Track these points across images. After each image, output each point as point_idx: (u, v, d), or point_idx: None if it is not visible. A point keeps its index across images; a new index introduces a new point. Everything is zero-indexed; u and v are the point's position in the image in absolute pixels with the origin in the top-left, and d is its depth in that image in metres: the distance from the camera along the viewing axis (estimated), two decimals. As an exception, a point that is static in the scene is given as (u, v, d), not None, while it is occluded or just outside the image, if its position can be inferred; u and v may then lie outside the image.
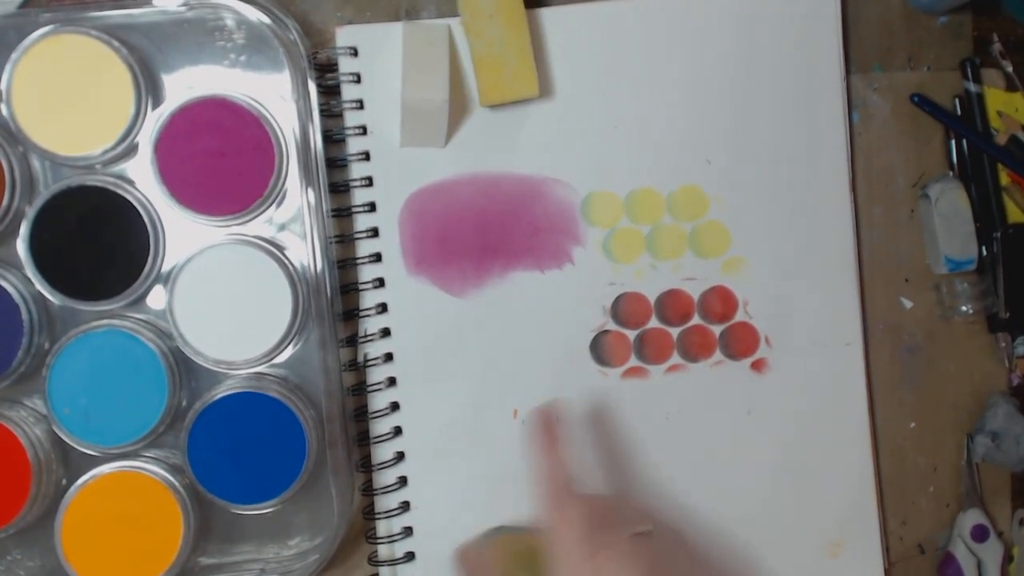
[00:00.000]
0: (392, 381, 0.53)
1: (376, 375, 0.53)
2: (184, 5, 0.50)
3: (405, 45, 0.51)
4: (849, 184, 0.56)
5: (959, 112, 0.57)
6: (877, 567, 0.56)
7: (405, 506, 0.53)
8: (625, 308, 0.54)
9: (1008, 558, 0.58)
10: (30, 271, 0.50)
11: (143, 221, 0.50)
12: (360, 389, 0.53)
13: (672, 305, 0.55)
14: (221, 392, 0.51)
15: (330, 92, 0.52)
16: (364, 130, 0.52)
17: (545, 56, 0.53)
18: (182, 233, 0.51)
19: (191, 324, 0.51)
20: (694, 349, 0.55)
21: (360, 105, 0.52)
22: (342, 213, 0.52)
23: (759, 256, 0.55)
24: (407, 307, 0.53)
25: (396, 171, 0.53)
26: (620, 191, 0.54)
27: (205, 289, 0.50)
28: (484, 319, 0.53)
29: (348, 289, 0.53)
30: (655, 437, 0.55)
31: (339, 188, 0.52)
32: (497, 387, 0.53)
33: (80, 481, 0.51)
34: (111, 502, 0.51)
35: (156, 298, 0.52)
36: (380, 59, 0.52)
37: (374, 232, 0.52)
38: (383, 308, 0.53)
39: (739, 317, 0.55)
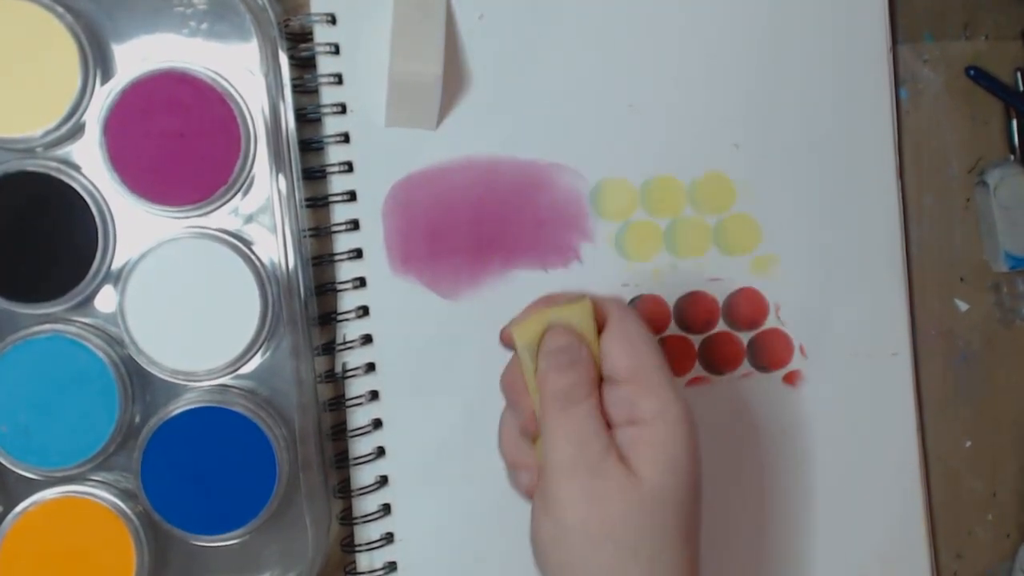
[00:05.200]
0: (374, 395, 0.50)
1: (356, 388, 0.50)
2: (137, -35, 0.47)
3: (395, 11, 0.48)
4: (896, 171, 0.54)
5: (1021, 87, 0.55)
6: (927, 606, 0.54)
7: (388, 538, 0.50)
8: (640, 313, 0.52)
9: (1076, 595, 0.55)
10: (-39, 269, 0.48)
11: (90, 212, 0.48)
12: (338, 404, 0.50)
13: (694, 309, 0.53)
14: (179, 407, 0.48)
15: (304, 65, 0.50)
16: (343, 108, 0.49)
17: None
18: (135, 225, 0.48)
19: (145, 329, 0.48)
20: (719, 360, 0.53)
21: (339, 80, 0.49)
22: (318, 203, 0.50)
23: (793, 253, 0.53)
24: (392, 310, 0.50)
25: (380, 155, 0.50)
26: (635, 179, 0.52)
27: (161, 289, 0.48)
28: (479, 324, 0.50)
29: (324, 290, 0.50)
30: (675, 459, 0.52)
31: (314, 174, 0.50)
32: (493, 402, 0.48)
33: (18, 508, 0.48)
34: (54, 532, 0.48)
35: (105, 300, 0.49)
36: (363, 27, 0.49)
37: (354, 225, 0.50)
38: (364, 312, 0.50)
39: (770, 323, 0.53)
